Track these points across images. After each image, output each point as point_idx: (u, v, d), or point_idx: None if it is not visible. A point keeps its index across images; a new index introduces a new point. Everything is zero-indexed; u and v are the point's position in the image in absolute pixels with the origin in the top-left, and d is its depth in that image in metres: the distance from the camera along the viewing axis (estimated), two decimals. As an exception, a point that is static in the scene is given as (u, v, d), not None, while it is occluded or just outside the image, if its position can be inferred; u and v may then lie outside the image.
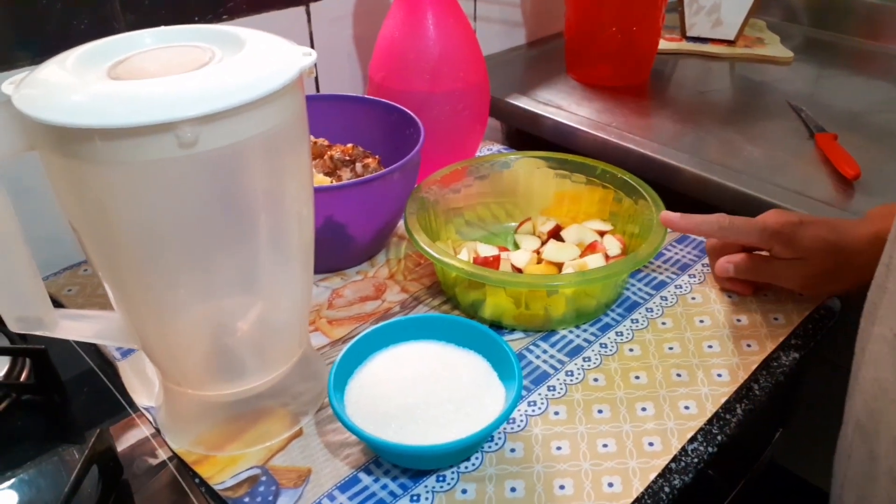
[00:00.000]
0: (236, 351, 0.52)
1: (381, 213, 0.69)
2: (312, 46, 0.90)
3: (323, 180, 0.71)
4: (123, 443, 0.53)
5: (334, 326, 0.65)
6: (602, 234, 0.72)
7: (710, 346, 0.62)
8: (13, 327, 0.47)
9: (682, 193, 0.83)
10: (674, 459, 0.52)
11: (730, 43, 1.20)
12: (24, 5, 0.65)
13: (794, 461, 0.88)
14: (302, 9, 0.87)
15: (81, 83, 0.40)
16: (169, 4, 0.75)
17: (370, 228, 0.70)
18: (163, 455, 0.52)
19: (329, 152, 0.75)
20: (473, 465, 0.51)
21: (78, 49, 0.45)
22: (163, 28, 0.48)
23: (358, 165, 0.74)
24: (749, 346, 0.62)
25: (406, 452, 0.48)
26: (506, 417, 0.49)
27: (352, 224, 0.67)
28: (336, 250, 0.69)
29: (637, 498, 0.49)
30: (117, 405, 0.56)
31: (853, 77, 1.13)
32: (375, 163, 0.75)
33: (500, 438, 0.53)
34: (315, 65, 0.45)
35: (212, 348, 0.51)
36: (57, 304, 0.67)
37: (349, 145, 0.77)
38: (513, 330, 0.64)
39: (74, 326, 0.50)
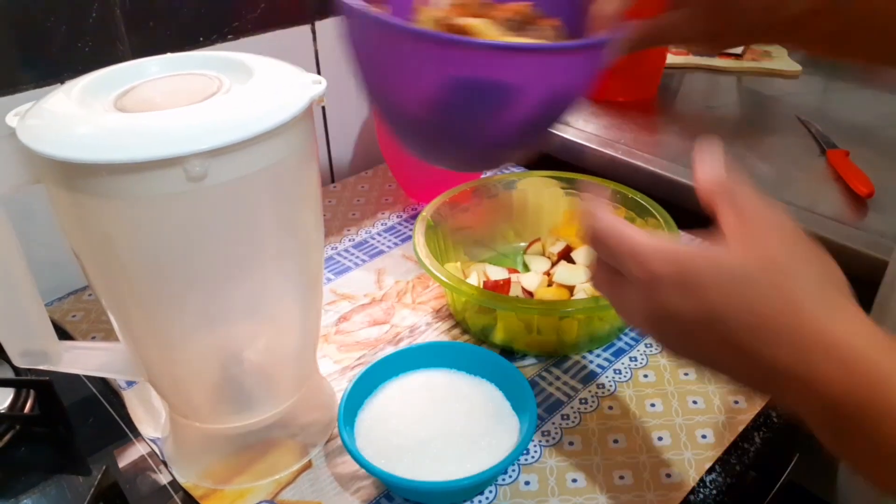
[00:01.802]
0: (244, 381, 0.51)
1: (560, 98, 0.46)
2: (318, 64, 0.89)
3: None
4: (129, 475, 0.52)
5: (342, 352, 0.64)
6: (613, 255, 0.71)
7: (725, 372, 0.61)
8: (18, 362, 0.46)
9: (692, 212, 0.82)
10: (692, 492, 0.51)
11: (737, 56, 1.20)
12: (28, 28, 0.65)
13: (812, 482, 0.86)
14: (307, 27, 0.86)
15: (87, 115, 0.39)
16: (173, 26, 0.74)
17: (535, 114, 0.45)
18: (169, 489, 0.51)
19: (492, 12, 0.50)
20: (487, 498, 0.50)
21: (84, 78, 0.44)
22: (169, 56, 0.47)
23: (531, 32, 0.51)
24: (765, 371, 0.61)
25: (418, 488, 0.47)
26: (520, 452, 0.48)
27: (519, 96, 0.43)
28: (466, 128, 0.46)
29: (655, 532, 0.48)
30: (123, 436, 0.55)
31: (861, 90, 1.12)
32: (553, 33, 0.51)
33: (514, 471, 0.52)
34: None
35: (219, 379, 0.50)
36: (62, 330, 0.67)
37: (522, 2, 0.51)
38: (524, 355, 0.63)
39: (79, 359, 0.49)
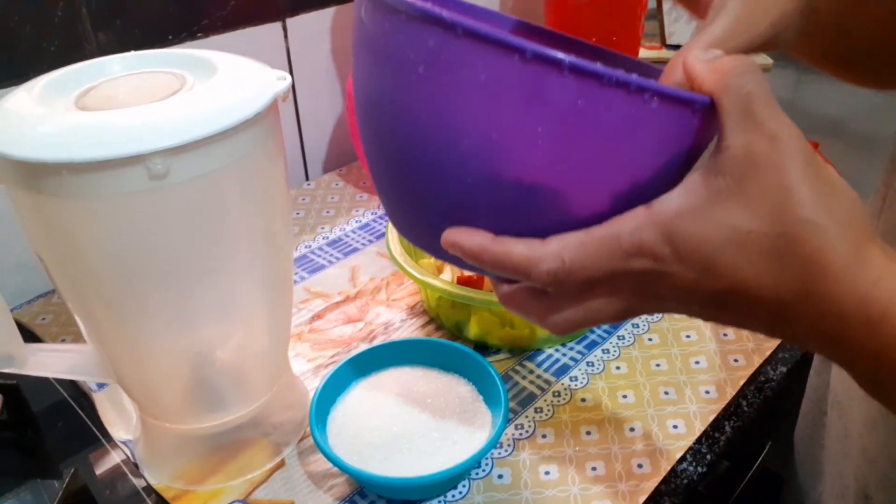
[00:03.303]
0: (215, 382, 0.50)
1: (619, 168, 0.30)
2: (290, 62, 0.89)
3: None
4: (99, 478, 0.51)
5: (316, 350, 0.64)
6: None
7: (697, 363, 0.61)
8: (-18, 365, 0.46)
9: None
10: (663, 481, 0.51)
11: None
12: (-9, 28, 0.64)
13: (786, 466, 0.87)
14: (279, 24, 0.86)
15: (48, 114, 0.39)
16: (142, 24, 0.73)
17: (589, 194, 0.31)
18: (141, 492, 0.51)
19: None
20: (461, 492, 0.50)
21: (45, 77, 0.43)
22: (133, 53, 0.46)
23: None
24: (736, 360, 0.61)
25: (391, 484, 0.47)
26: (492, 446, 0.48)
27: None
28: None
29: (627, 523, 0.48)
30: (93, 439, 0.54)
31: (832, 83, 1.13)
32: None
33: (487, 464, 0.52)
34: (293, 86, 0.44)
35: (190, 380, 0.49)
36: (30, 333, 0.66)
37: None
38: (498, 350, 0.63)
39: (46, 362, 0.48)
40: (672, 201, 0.29)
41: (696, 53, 0.31)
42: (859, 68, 0.48)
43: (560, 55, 0.27)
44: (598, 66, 0.27)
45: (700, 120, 0.29)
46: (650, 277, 0.30)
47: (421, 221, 0.35)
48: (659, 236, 0.29)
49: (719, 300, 0.30)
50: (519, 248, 0.30)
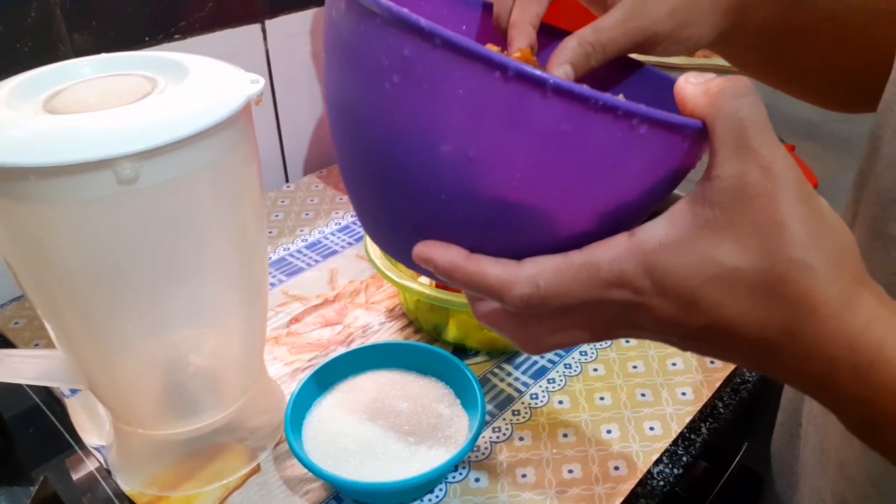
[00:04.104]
0: (188, 387, 0.50)
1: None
2: (269, 64, 0.88)
3: None
4: (71, 485, 0.51)
5: (293, 354, 0.63)
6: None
7: (673, 364, 0.62)
8: (-51, 372, 0.45)
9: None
10: (640, 483, 0.51)
11: (688, 53, 1.21)
12: (-38, 29, 0.63)
13: (764, 465, 0.88)
14: (258, 26, 0.85)
15: (15, 118, 0.38)
16: (117, 25, 0.73)
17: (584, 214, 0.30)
18: (114, 497, 0.50)
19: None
20: (437, 496, 0.50)
21: (13, 79, 0.43)
22: (103, 56, 0.46)
23: None
24: (712, 363, 0.62)
25: (367, 489, 0.47)
26: (468, 450, 0.48)
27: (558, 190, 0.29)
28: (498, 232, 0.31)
29: (603, 525, 0.48)
30: (65, 445, 0.54)
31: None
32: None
33: (464, 468, 0.52)
34: (272, 87, 0.43)
35: (163, 386, 0.49)
36: (2, 338, 0.65)
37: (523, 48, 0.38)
38: (477, 352, 0.63)
39: (16, 368, 0.48)
40: (656, 231, 0.27)
41: (686, 75, 0.29)
42: (803, 85, 0.48)
43: (544, 75, 0.25)
44: (584, 89, 0.25)
45: (690, 144, 0.28)
46: (628, 309, 0.29)
47: (393, 232, 0.34)
48: (640, 268, 0.27)
49: (700, 335, 0.29)
50: (493, 269, 0.29)
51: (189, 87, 0.41)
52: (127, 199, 0.38)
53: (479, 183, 0.28)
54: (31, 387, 0.59)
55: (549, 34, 0.40)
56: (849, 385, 0.28)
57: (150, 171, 0.37)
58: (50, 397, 0.58)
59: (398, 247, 0.34)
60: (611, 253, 0.28)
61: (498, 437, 0.55)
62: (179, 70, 0.43)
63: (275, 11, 0.86)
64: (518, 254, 0.30)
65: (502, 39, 0.38)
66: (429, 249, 0.30)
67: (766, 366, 0.30)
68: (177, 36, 0.78)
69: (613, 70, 0.38)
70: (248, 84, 0.43)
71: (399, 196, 0.31)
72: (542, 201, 0.28)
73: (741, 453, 0.77)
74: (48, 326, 0.45)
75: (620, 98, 0.26)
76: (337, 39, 0.31)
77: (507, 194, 0.28)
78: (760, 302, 0.27)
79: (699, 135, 0.27)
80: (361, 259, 0.76)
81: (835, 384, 0.28)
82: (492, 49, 0.33)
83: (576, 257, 0.28)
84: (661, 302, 0.28)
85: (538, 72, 0.25)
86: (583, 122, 0.26)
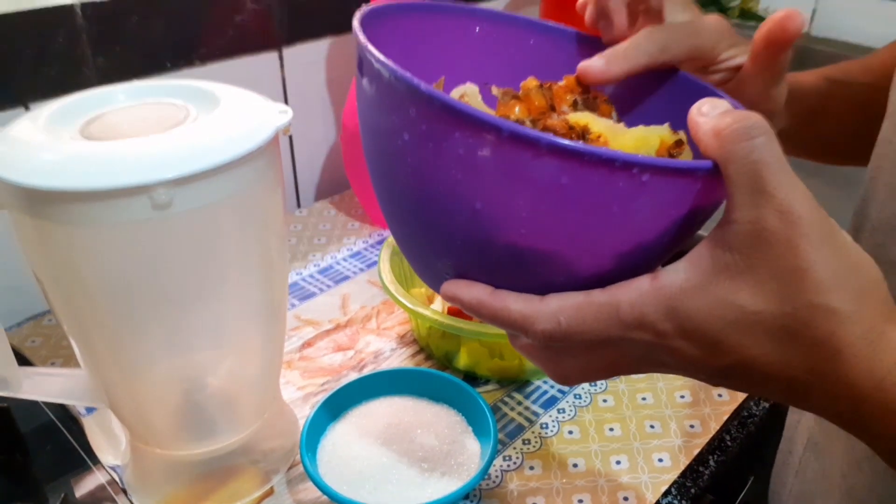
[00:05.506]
0: (206, 407, 0.51)
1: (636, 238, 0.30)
2: (285, 91, 0.90)
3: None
4: (87, 503, 0.51)
5: (306, 378, 0.64)
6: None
7: (682, 396, 0.62)
8: (-25, 388, 0.46)
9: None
10: (649, 514, 0.52)
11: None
12: (-8, 52, 0.65)
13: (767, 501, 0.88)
14: (275, 54, 0.87)
15: (53, 142, 0.40)
16: (140, 51, 0.74)
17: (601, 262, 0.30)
18: (129, 517, 0.51)
19: (561, 97, 0.37)
20: (449, 523, 0.51)
21: (51, 105, 0.44)
22: (137, 83, 0.47)
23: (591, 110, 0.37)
24: (720, 395, 0.63)
25: (380, 514, 0.47)
26: (480, 478, 0.48)
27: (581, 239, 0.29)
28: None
29: (613, 556, 0.49)
30: (82, 463, 0.54)
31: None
32: (609, 108, 0.38)
33: (474, 496, 0.53)
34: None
35: (181, 405, 0.50)
36: (20, 356, 0.66)
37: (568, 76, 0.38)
38: (487, 381, 0.64)
39: (39, 386, 0.48)
40: (677, 275, 0.28)
41: (699, 105, 0.29)
42: (827, 153, 0.54)
43: (537, 135, 0.26)
44: (579, 145, 0.26)
45: (704, 183, 0.28)
46: (654, 349, 0.29)
47: (426, 267, 0.36)
48: (661, 311, 0.28)
49: (727, 373, 0.29)
50: (516, 305, 0.30)
51: (220, 116, 0.42)
52: (159, 223, 0.39)
53: (489, 231, 0.29)
54: (47, 404, 0.59)
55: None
56: (880, 423, 0.28)
57: (183, 197, 0.39)
58: (66, 415, 0.59)
59: (433, 280, 0.35)
60: (632, 295, 0.28)
61: (509, 466, 0.55)
62: (211, 99, 0.45)
63: (292, 40, 0.88)
64: (543, 290, 0.31)
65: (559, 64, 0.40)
66: (455, 287, 0.32)
67: (796, 400, 0.30)
68: (197, 62, 0.80)
69: (649, 77, 0.39)
70: (277, 114, 0.44)
71: (426, 239, 0.33)
72: (555, 246, 0.29)
73: (746, 488, 0.77)
74: (73, 343, 0.46)
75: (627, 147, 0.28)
76: (360, 88, 0.33)
77: (518, 241, 0.29)
78: (783, 345, 0.27)
79: (713, 174, 0.27)
80: (373, 285, 0.77)
81: (866, 422, 0.29)
82: (531, 83, 0.35)
83: (598, 296, 0.29)
84: (683, 344, 0.29)
85: (532, 132, 0.26)
86: (582, 176, 0.26)
